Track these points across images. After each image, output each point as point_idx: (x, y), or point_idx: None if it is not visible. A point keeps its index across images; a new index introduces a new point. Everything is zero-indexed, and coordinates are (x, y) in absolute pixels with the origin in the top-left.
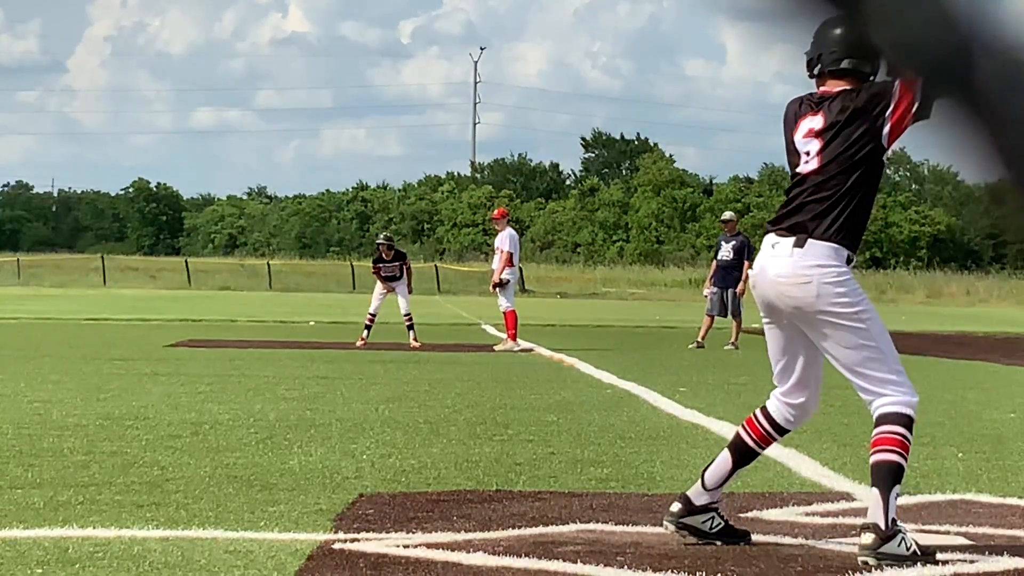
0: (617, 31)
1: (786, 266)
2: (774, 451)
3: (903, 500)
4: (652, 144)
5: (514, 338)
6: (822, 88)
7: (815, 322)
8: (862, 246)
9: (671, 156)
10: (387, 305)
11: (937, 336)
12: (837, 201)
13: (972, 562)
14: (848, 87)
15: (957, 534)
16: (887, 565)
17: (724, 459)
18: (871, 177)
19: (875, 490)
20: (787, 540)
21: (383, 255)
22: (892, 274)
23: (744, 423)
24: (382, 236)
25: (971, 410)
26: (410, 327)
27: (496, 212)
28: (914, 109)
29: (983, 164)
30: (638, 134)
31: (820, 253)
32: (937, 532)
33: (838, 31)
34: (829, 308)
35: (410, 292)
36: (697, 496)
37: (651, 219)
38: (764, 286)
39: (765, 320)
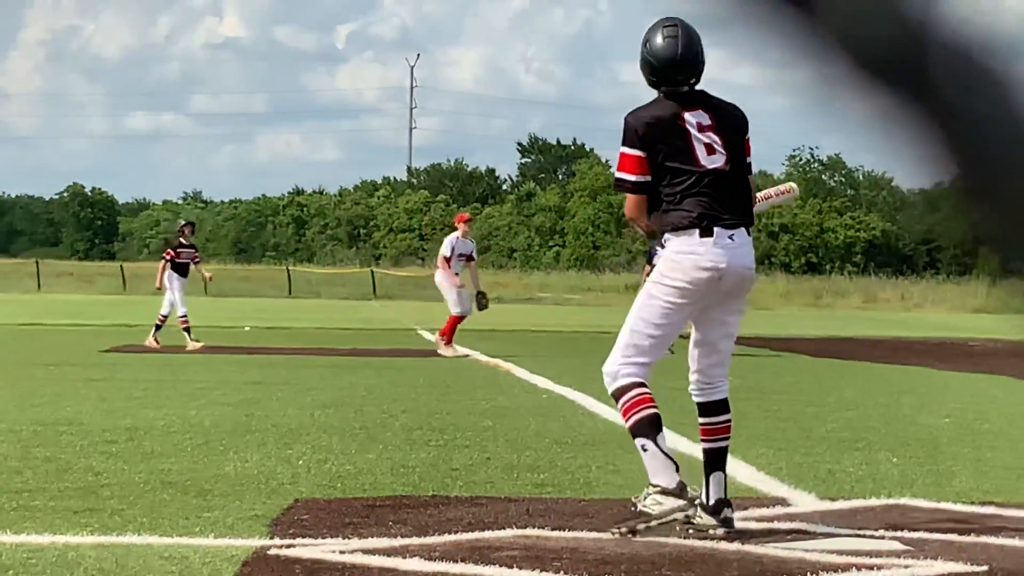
0: (552, 36)
1: (750, 257)
2: None
3: (838, 505)
4: (588, 149)
5: (449, 343)
6: (684, 89)
7: (734, 308)
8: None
9: (607, 161)
10: (322, 310)
11: (872, 341)
12: (746, 193)
13: (907, 567)
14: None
15: (892, 538)
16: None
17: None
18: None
19: (720, 474)
20: (723, 545)
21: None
22: (828, 279)
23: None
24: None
25: (906, 414)
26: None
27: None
28: None
29: (932, 164)
30: (574, 139)
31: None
32: (872, 536)
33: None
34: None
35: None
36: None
37: (587, 224)
38: (731, 277)
39: (684, 302)
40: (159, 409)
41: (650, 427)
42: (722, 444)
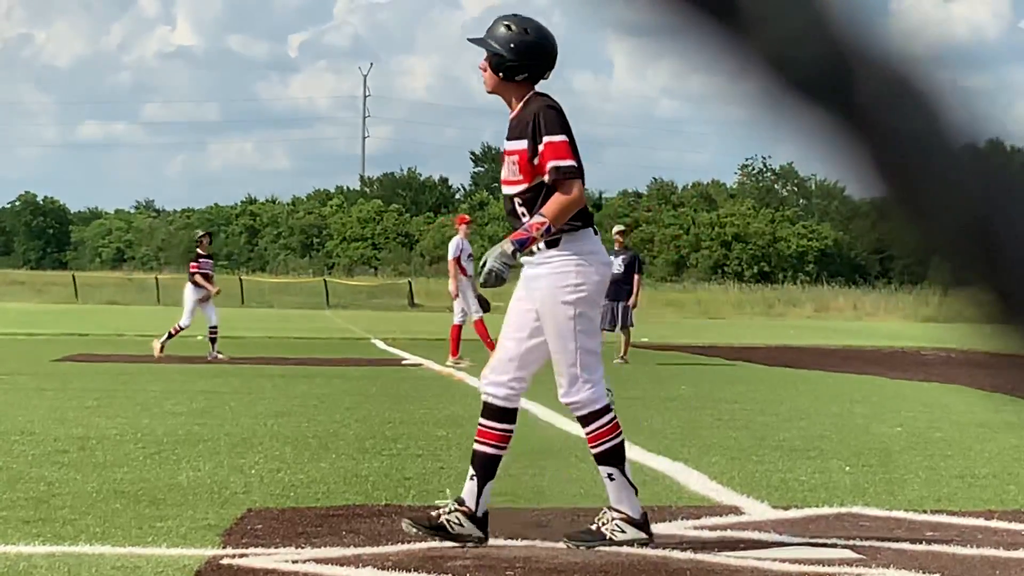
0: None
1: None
2: (663, 465)
3: (790, 514)
4: None
5: (453, 353)
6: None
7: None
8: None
9: None
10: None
11: (824, 350)
12: None
13: (859, 575)
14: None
15: (844, 547)
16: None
17: None
18: None
19: None
20: (676, 554)
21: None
22: (780, 288)
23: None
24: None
25: (858, 423)
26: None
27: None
28: None
29: (864, 180)
30: None
31: None
32: (824, 545)
33: None
34: None
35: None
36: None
37: None
38: (607, 281)
39: (599, 304)
40: (111, 418)
41: (619, 456)
42: (501, 453)
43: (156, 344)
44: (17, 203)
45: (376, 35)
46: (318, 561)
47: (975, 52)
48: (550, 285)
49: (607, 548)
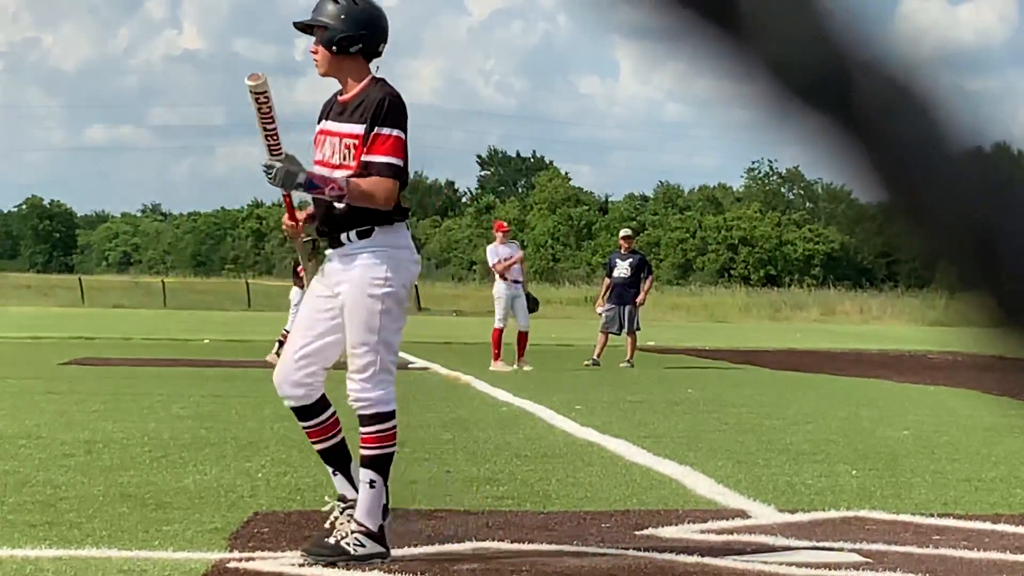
0: (511, 48)
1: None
2: (670, 469)
3: (797, 517)
4: (548, 162)
5: (495, 358)
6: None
7: None
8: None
9: (567, 174)
10: (267, 322)
11: (831, 353)
12: None
13: None
14: None
15: (851, 551)
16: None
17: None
18: None
19: None
20: (682, 558)
21: None
22: (786, 292)
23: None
24: None
25: (864, 427)
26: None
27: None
28: None
29: (868, 184)
30: (534, 152)
31: None
32: (831, 549)
33: None
34: None
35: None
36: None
37: (547, 237)
38: (415, 278)
39: (406, 304)
40: (118, 422)
41: (388, 465)
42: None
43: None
44: (24, 207)
45: None
46: (325, 564)
47: (980, 56)
48: (360, 276)
49: (612, 551)
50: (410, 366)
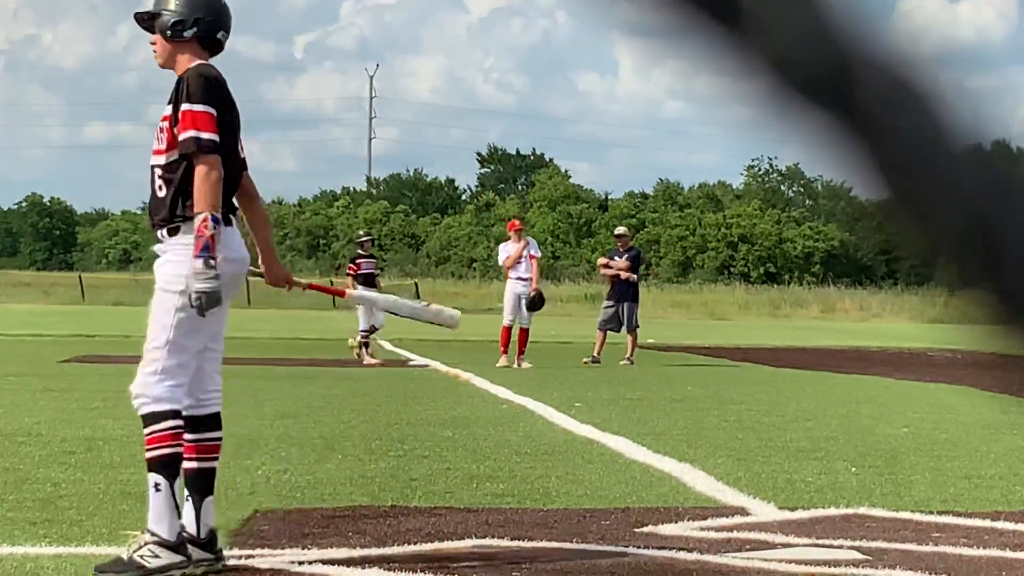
0: (511, 46)
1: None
2: (669, 466)
3: (797, 514)
4: (548, 159)
5: (504, 354)
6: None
7: (227, 307)
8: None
9: (566, 171)
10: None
11: (831, 351)
12: None
13: None
14: None
15: (850, 548)
16: None
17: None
18: None
19: (211, 499)
20: (682, 555)
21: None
22: (786, 289)
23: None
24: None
25: (864, 424)
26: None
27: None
28: None
29: (868, 181)
30: (533, 149)
31: None
32: (831, 546)
33: None
34: None
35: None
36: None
37: (547, 234)
38: (238, 278)
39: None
40: (118, 419)
41: (173, 467)
42: (213, 465)
43: (367, 359)
44: (23, 204)
45: (382, 36)
46: (324, 562)
47: (980, 53)
48: (166, 272)
49: (611, 548)
50: (410, 363)
